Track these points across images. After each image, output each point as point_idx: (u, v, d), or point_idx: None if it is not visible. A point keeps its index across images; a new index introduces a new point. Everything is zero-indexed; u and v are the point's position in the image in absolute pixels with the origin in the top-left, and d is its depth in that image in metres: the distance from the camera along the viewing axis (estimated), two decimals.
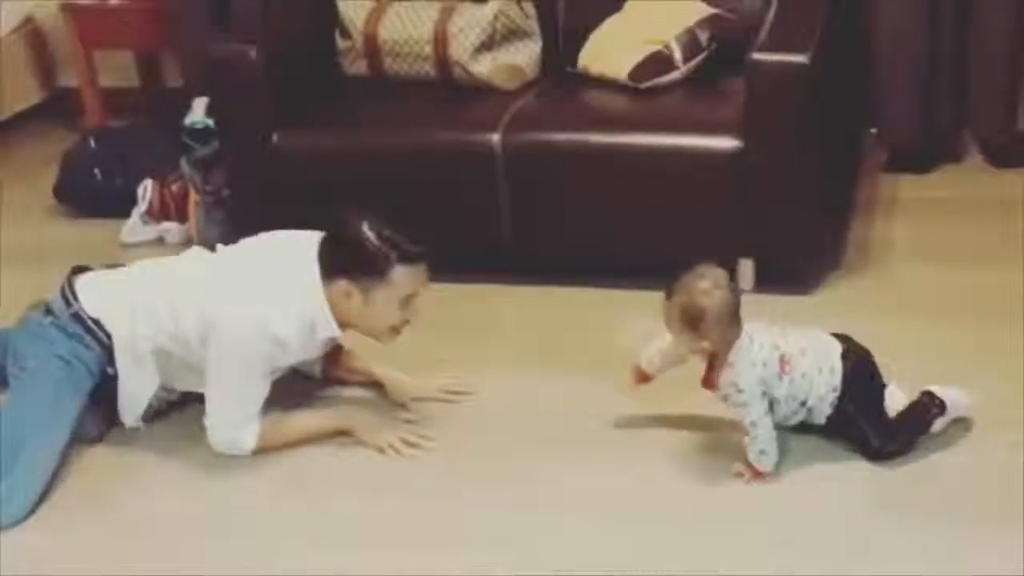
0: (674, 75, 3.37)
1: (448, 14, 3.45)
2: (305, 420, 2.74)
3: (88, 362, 2.70)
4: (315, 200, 3.34)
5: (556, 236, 3.28)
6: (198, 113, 3.79)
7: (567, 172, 3.19)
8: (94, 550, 2.47)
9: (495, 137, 3.20)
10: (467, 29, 3.43)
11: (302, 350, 2.67)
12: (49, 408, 2.64)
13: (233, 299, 2.58)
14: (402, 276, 2.58)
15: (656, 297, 3.18)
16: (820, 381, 2.46)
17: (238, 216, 3.50)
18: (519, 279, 3.19)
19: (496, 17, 3.44)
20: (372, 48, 3.50)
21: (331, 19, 3.57)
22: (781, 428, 2.51)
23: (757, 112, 3.02)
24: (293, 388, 2.89)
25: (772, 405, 2.47)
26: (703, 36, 3.41)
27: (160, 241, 3.77)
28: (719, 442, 2.59)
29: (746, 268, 3.21)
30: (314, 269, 2.60)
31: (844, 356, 2.48)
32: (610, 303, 3.19)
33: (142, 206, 3.80)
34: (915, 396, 2.55)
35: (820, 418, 2.51)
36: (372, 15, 3.50)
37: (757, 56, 3.02)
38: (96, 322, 2.70)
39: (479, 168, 3.21)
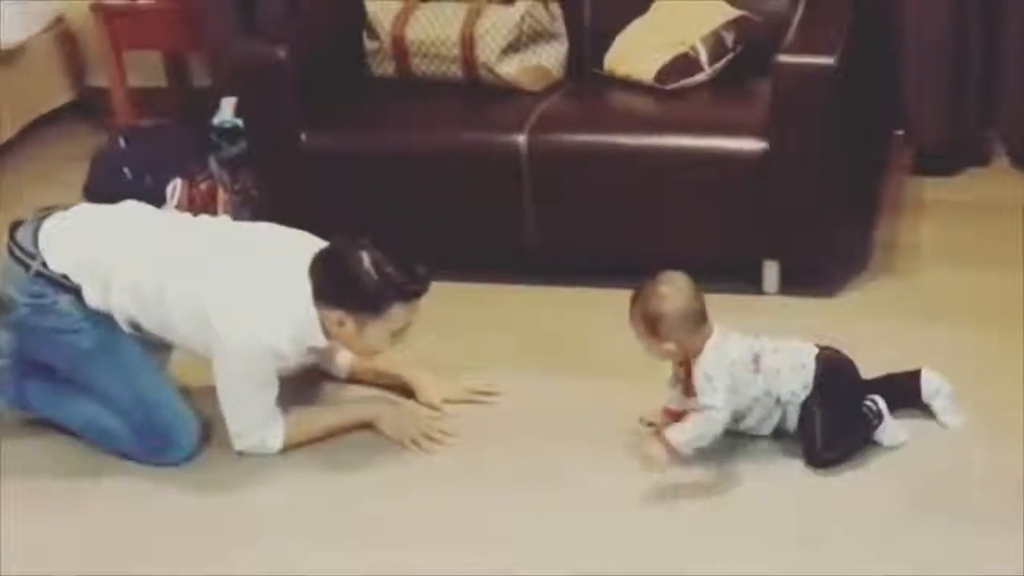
0: (700, 77, 3.38)
1: (475, 15, 3.47)
2: (328, 414, 2.76)
3: (81, 315, 2.63)
4: (342, 200, 3.38)
5: (581, 237, 3.29)
6: (226, 113, 3.83)
7: (592, 173, 3.20)
8: (114, 547, 2.50)
9: (521, 138, 3.21)
10: (494, 30, 3.44)
11: (297, 357, 2.67)
12: (131, 361, 2.66)
13: (232, 315, 2.53)
14: (398, 312, 2.54)
15: None
16: (793, 378, 2.50)
17: (265, 215, 3.51)
18: (543, 280, 3.20)
19: (523, 18, 3.45)
20: (399, 49, 3.52)
21: (359, 20, 3.59)
22: (759, 437, 2.55)
23: (783, 114, 3.02)
24: (319, 390, 2.92)
25: (746, 412, 2.52)
26: (729, 38, 3.41)
27: None
28: (742, 444, 2.60)
29: (771, 270, 3.21)
30: (307, 288, 2.55)
31: (818, 357, 2.52)
32: None
33: (170, 205, 3.81)
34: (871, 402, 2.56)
35: (793, 422, 2.53)
36: (400, 16, 3.52)
37: (783, 58, 3.02)
38: (65, 277, 2.63)
39: (505, 169, 3.22)
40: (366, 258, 2.50)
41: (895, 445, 2.54)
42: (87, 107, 4.73)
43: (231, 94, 3.81)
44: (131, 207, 2.79)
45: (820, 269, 3.23)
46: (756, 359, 2.51)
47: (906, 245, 3.45)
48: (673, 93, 3.37)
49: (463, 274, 3.33)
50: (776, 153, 3.04)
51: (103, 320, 2.65)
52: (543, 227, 3.27)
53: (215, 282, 2.56)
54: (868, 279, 3.28)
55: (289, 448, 2.67)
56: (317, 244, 2.63)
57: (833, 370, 2.52)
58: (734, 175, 3.09)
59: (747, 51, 3.40)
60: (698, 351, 2.48)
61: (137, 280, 2.61)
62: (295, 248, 2.63)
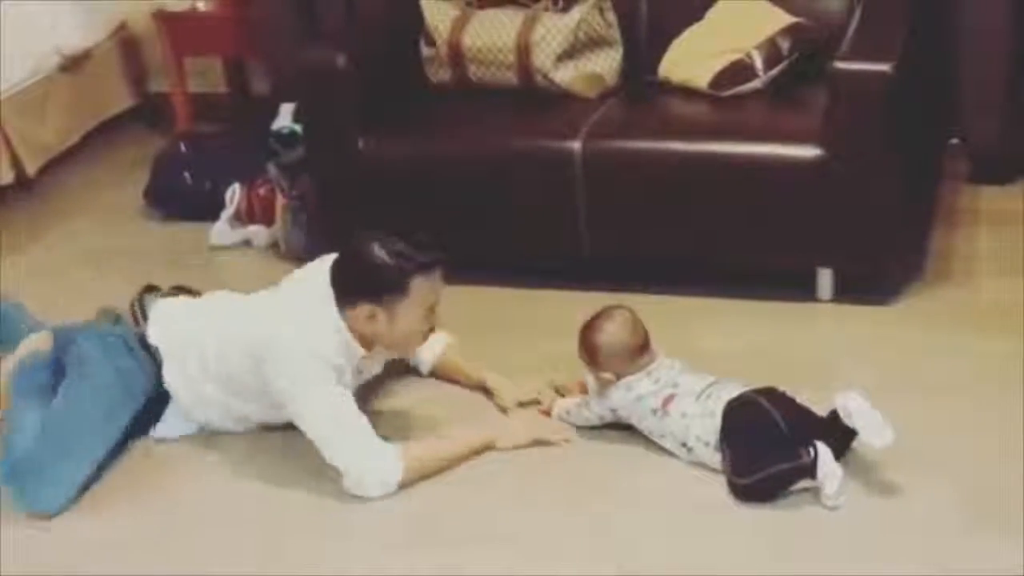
0: (755, 84, 3.38)
1: (531, 23, 3.49)
2: (449, 447, 2.66)
3: (143, 382, 2.77)
4: (398, 205, 3.42)
5: (634, 244, 3.30)
6: (285, 119, 3.87)
7: (646, 180, 3.21)
8: (167, 543, 2.55)
9: (575, 145, 3.23)
10: (549, 37, 3.46)
11: (352, 373, 2.67)
12: (103, 416, 2.71)
13: (270, 330, 2.59)
14: (421, 287, 2.57)
15: (734, 304, 3.23)
16: (700, 424, 2.54)
17: (323, 220, 3.57)
18: (596, 286, 3.21)
19: (579, 25, 3.47)
20: (456, 56, 3.55)
21: (416, 27, 3.63)
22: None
23: (839, 121, 3.02)
24: (401, 386, 2.95)
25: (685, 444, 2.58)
26: (784, 45, 3.41)
27: (247, 244, 3.84)
28: None
29: (825, 278, 3.21)
30: (331, 298, 2.60)
31: (727, 405, 2.51)
32: (688, 311, 3.20)
33: (230, 209, 3.87)
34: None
35: (712, 462, 2.53)
36: (457, 23, 3.55)
37: (840, 65, 3.02)
38: (157, 350, 2.78)
39: (559, 175, 3.24)
40: (375, 246, 2.56)
41: (832, 491, 2.39)
42: (149, 112, 4.81)
43: (290, 100, 3.85)
44: (228, 295, 2.89)
45: (874, 277, 3.21)
46: (666, 400, 2.59)
47: (961, 254, 3.43)
48: (728, 100, 3.37)
49: (515, 279, 3.36)
50: (832, 160, 3.04)
51: (136, 386, 2.76)
52: (596, 233, 3.28)
53: (253, 322, 2.65)
54: (922, 288, 3.26)
55: (408, 483, 2.57)
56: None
57: (737, 413, 2.50)
58: (789, 182, 3.09)
59: (802, 58, 3.40)
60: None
61: (203, 354, 2.72)
62: (316, 270, 2.69)
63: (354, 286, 2.58)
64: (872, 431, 2.39)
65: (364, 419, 2.58)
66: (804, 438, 2.42)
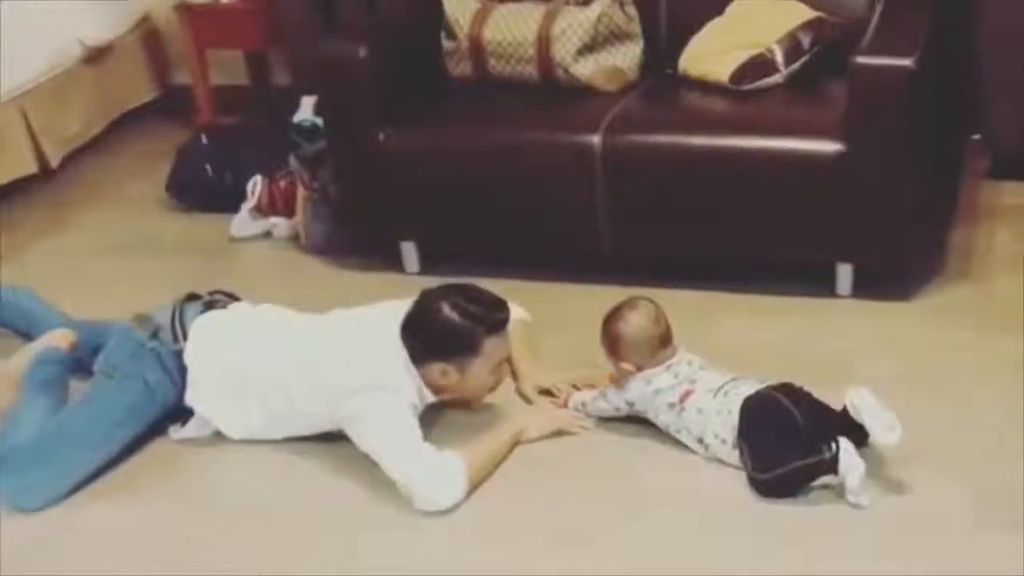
0: (775, 78, 3.38)
1: (552, 16, 3.50)
2: (495, 448, 2.67)
3: (168, 397, 2.77)
4: (418, 198, 3.43)
5: (653, 238, 3.30)
6: (306, 111, 3.89)
7: (666, 174, 3.21)
8: (216, 537, 2.57)
9: (595, 139, 3.23)
10: (570, 31, 3.47)
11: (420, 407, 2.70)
12: (111, 427, 2.72)
13: (355, 381, 2.61)
14: (492, 346, 2.63)
15: (753, 299, 3.23)
16: (716, 421, 2.55)
17: (344, 212, 3.59)
18: (615, 280, 3.21)
19: (599, 19, 3.48)
20: (476, 49, 3.56)
21: (437, 20, 3.64)
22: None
23: (860, 116, 3.01)
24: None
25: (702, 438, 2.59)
26: (805, 39, 3.40)
27: (268, 235, 3.86)
28: None
29: (844, 273, 3.20)
30: (403, 352, 2.63)
31: (744, 402, 2.51)
32: (707, 305, 3.21)
33: (251, 201, 3.89)
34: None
35: (730, 459, 2.55)
36: (477, 17, 3.56)
37: (861, 60, 3.01)
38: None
39: (579, 169, 3.24)
40: (445, 307, 2.61)
41: (855, 485, 2.39)
42: (171, 104, 4.83)
43: (311, 93, 3.87)
44: (270, 314, 2.88)
45: (894, 273, 3.21)
46: (686, 395, 2.60)
47: (981, 250, 3.42)
48: (748, 94, 3.37)
49: (534, 273, 3.37)
50: (852, 155, 3.03)
51: (159, 402, 2.76)
52: (615, 227, 3.29)
53: (330, 371, 2.65)
54: (942, 284, 3.25)
55: (469, 492, 2.56)
56: (403, 308, 2.69)
57: (755, 409, 2.50)
58: (809, 177, 3.09)
59: (823, 52, 3.39)
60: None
61: (265, 399, 2.72)
62: (382, 318, 2.70)
63: (426, 347, 2.63)
64: (880, 429, 2.39)
65: (424, 443, 2.58)
66: (823, 433, 2.42)
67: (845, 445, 2.39)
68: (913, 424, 2.43)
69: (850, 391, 2.44)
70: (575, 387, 2.86)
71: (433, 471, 2.52)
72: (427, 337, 2.64)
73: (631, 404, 2.68)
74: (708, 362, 2.69)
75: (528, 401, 2.87)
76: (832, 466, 2.40)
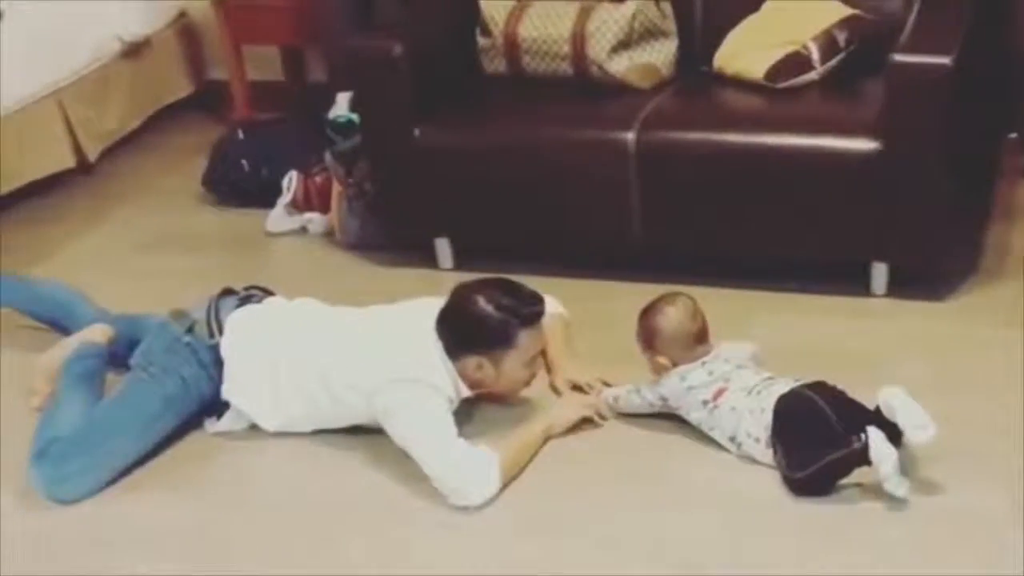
0: (811, 76, 3.36)
1: (587, 13, 3.50)
2: (528, 442, 2.68)
3: (204, 391, 2.80)
4: (453, 194, 3.44)
5: (687, 235, 3.30)
6: (342, 107, 3.90)
7: (700, 171, 3.20)
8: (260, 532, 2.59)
9: (629, 136, 3.23)
10: (605, 28, 3.47)
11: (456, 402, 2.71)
12: (148, 421, 2.74)
13: (391, 375, 2.61)
14: (527, 338, 2.65)
15: (787, 298, 3.23)
16: (750, 420, 2.54)
17: (378, 208, 3.60)
18: (648, 277, 3.21)
19: (634, 16, 3.47)
20: (511, 46, 3.56)
21: (472, 17, 3.65)
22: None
23: (897, 114, 3.00)
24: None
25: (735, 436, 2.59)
26: (841, 37, 3.39)
27: (303, 231, 3.88)
28: None
29: (879, 272, 3.19)
30: (439, 346, 2.65)
31: (777, 401, 2.51)
32: (740, 304, 3.20)
33: (286, 197, 3.91)
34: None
35: (763, 458, 2.54)
36: (513, 14, 3.57)
37: (898, 57, 3.00)
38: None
39: (613, 166, 3.25)
40: (480, 299, 2.63)
41: (888, 472, 2.37)
42: (207, 100, 4.86)
43: (346, 89, 3.89)
44: (307, 308, 2.90)
45: (929, 272, 3.20)
46: (719, 392, 2.60)
47: (1017, 249, 3.39)
48: (783, 92, 3.36)
49: (568, 270, 3.38)
50: (888, 153, 3.02)
51: (195, 397, 2.79)
52: (649, 225, 3.29)
53: (366, 367, 2.66)
54: (977, 284, 3.23)
55: (502, 487, 2.57)
56: (437, 305, 2.71)
57: (789, 408, 2.50)
58: (844, 175, 3.08)
59: (859, 50, 3.38)
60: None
61: (303, 392, 2.73)
62: (417, 313, 2.72)
63: (461, 339, 2.65)
64: (913, 428, 2.37)
65: (458, 437, 2.59)
66: (854, 426, 2.41)
67: (874, 434, 2.38)
68: (948, 424, 2.41)
69: (883, 390, 2.43)
70: (605, 383, 2.86)
71: (466, 465, 2.53)
72: (462, 329, 2.65)
73: (664, 400, 2.69)
74: (753, 357, 2.68)
75: (559, 394, 2.88)
76: (863, 456, 2.38)
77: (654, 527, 2.45)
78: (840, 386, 2.53)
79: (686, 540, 2.41)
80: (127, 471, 2.72)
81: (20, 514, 2.64)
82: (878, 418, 2.43)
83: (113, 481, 2.69)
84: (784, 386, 2.55)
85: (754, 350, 2.73)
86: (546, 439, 2.72)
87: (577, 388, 2.89)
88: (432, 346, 2.66)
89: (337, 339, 2.76)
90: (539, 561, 2.39)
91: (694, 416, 2.65)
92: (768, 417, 2.52)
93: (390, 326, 2.75)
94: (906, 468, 2.41)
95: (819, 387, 2.52)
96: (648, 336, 2.69)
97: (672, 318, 2.67)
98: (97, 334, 2.99)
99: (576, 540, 2.44)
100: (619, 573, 2.35)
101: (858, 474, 2.45)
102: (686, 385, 2.64)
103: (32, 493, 2.65)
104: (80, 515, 2.62)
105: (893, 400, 2.40)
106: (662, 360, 2.68)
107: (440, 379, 2.63)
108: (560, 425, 2.73)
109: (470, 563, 2.41)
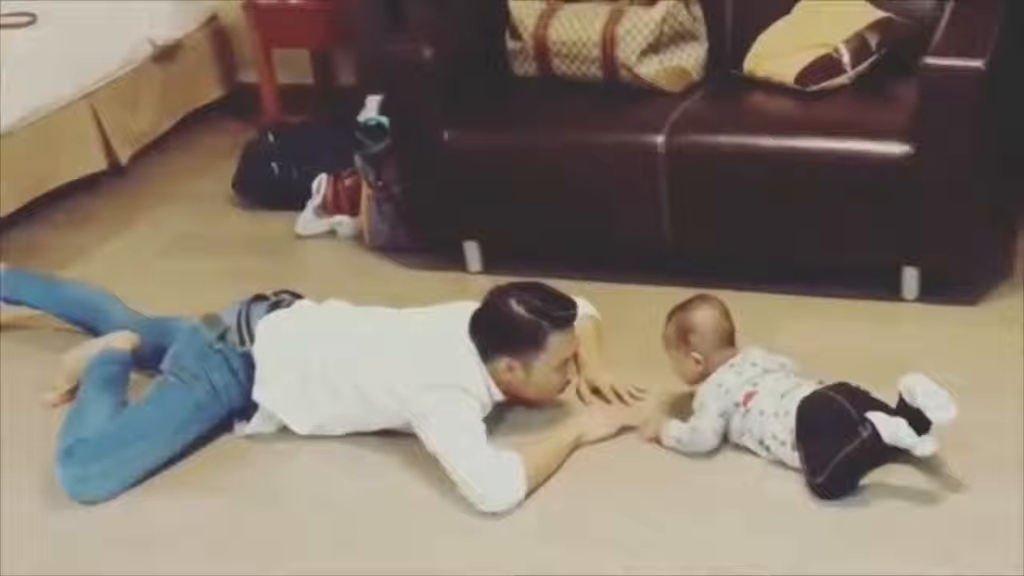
0: (842, 79, 3.35)
1: (617, 16, 3.49)
2: (554, 450, 2.67)
3: (234, 398, 2.81)
4: (482, 197, 3.45)
5: (716, 238, 3.29)
6: (371, 110, 3.90)
7: (730, 175, 3.19)
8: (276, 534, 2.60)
9: (659, 139, 3.22)
10: (635, 31, 3.46)
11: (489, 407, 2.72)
12: (176, 426, 2.75)
13: (426, 389, 2.61)
14: (557, 342, 2.65)
15: (817, 302, 3.21)
16: (775, 423, 2.54)
17: (408, 211, 3.61)
18: (678, 280, 3.20)
19: (664, 20, 3.47)
20: (541, 49, 3.56)
21: (502, 20, 3.65)
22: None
23: (929, 117, 2.98)
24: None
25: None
26: (873, 40, 3.37)
27: (332, 234, 3.89)
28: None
29: (910, 276, 3.17)
30: (473, 350, 2.66)
31: (800, 403, 2.50)
32: (771, 308, 3.19)
33: (316, 199, 3.92)
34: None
35: (791, 461, 2.53)
36: (543, 17, 3.57)
37: (931, 60, 2.98)
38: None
39: (642, 169, 3.24)
40: (512, 301, 2.64)
41: (902, 435, 2.36)
42: (237, 103, 4.88)
43: (376, 92, 3.89)
44: (338, 310, 2.91)
45: (961, 277, 3.18)
46: (749, 396, 2.59)
47: None
48: (814, 95, 3.34)
49: (597, 273, 3.37)
50: (921, 157, 3.00)
51: (224, 404, 2.80)
52: (679, 227, 3.28)
53: (401, 369, 2.66)
54: (1009, 288, 3.21)
55: (527, 494, 2.56)
56: (472, 308, 2.72)
57: (810, 409, 2.49)
58: (875, 179, 3.06)
59: (891, 53, 3.36)
60: (712, 372, 2.65)
61: (336, 395, 2.74)
62: (452, 317, 2.74)
63: (492, 340, 2.66)
64: (935, 408, 2.36)
65: (486, 443, 2.59)
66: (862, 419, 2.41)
67: (876, 416, 2.38)
68: (979, 429, 2.41)
69: (904, 378, 2.42)
70: (618, 395, 2.85)
71: (492, 473, 2.53)
72: (494, 331, 2.66)
73: (722, 415, 2.61)
74: (782, 367, 2.67)
75: (581, 396, 2.88)
76: (875, 442, 2.37)
77: (680, 532, 2.45)
78: (871, 391, 2.52)
79: (712, 545, 2.41)
80: (153, 473, 2.73)
81: (45, 514, 2.66)
82: (901, 408, 2.42)
83: (139, 482, 2.71)
84: (808, 389, 2.55)
85: (784, 361, 2.71)
86: (576, 447, 2.71)
87: (596, 391, 2.88)
88: (467, 350, 2.66)
89: (371, 341, 2.76)
90: (564, 566, 2.39)
91: (734, 424, 2.62)
92: (792, 420, 2.51)
93: (425, 329, 2.76)
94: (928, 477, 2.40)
95: (840, 387, 2.53)
96: (682, 332, 2.69)
97: (707, 313, 2.69)
98: (123, 342, 3.00)
99: (601, 545, 2.44)
100: (650, 575, 2.35)
101: (882, 475, 2.45)
102: (723, 390, 2.62)
103: (58, 493, 2.67)
104: (106, 515, 2.64)
105: (912, 383, 2.40)
106: (695, 356, 2.67)
107: (474, 384, 2.64)
108: (590, 439, 2.72)
109: (495, 567, 2.41)
